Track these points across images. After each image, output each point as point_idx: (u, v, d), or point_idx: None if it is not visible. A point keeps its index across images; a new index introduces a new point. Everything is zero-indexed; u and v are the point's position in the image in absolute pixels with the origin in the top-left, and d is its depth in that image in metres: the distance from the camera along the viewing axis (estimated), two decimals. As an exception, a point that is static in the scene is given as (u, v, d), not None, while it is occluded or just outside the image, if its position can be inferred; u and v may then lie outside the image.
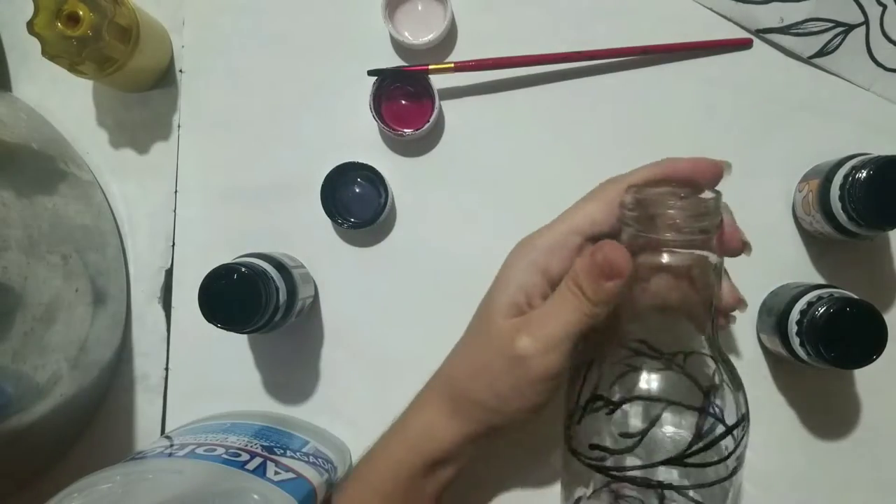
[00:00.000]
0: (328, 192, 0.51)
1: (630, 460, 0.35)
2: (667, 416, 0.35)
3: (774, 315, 0.48)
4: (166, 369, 0.54)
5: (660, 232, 0.34)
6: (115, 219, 0.55)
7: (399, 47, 0.54)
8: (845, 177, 0.45)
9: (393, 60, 0.54)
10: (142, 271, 0.55)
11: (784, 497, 0.50)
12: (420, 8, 0.53)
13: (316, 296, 0.53)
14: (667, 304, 0.36)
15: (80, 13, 0.48)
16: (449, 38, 0.54)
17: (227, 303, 0.45)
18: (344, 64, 0.54)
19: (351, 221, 0.51)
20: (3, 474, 0.49)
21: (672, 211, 0.34)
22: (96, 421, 0.54)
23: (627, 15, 0.53)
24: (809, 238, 0.51)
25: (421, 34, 0.52)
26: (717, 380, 0.36)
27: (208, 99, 0.55)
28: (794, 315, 0.45)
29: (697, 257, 0.35)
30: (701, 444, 0.34)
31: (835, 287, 0.46)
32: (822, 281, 0.51)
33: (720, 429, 0.35)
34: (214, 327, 0.45)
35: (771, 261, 0.51)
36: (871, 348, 0.42)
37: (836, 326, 0.42)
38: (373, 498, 0.42)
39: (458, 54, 0.54)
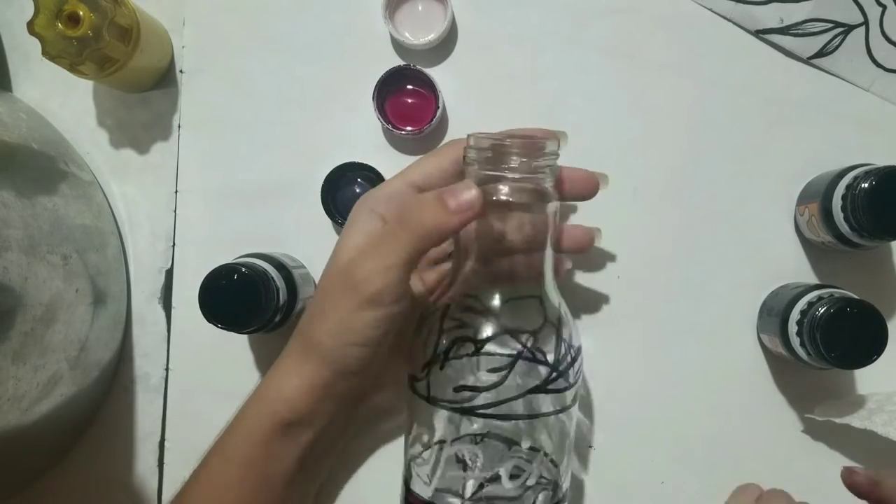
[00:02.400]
0: (328, 192, 0.51)
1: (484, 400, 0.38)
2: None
3: (775, 315, 0.48)
4: (166, 369, 0.54)
5: (499, 167, 0.37)
6: (115, 219, 0.55)
7: (399, 47, 0.54)
8: (847, 187, 0.44)
9: (393, 60, 0.54)
10: (142, 271, 0.55)
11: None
12: (420, 8, 0.53)
13: (316, 296, 0.53)
14: (507, 244, 0.39)
15: (81, 13, 0.48)
16: (449, 39, 0.54)
17: (228, 303, 0.45)
18: (344, 64, 0.54)
19: (351, 221, 0.51)
20: (4, 474, 0.49)
21: (511, 148, 0.37)
22: (96, 421, 0.54)
23: (627, 15, 0.53)
24: (810, 241, 0.51)
25: (421, 34, 0.52)
26: (560, 315, 0.40)
27: (208, 99, 0.55)
28: (795, 315, 0.45)
29: (534, 192, 0.38)
30: (560, 370, 0.38)
31: (835, 287, 0.46)
32: (822, 282, 0.51)
33: (568, 358, 0.39)
34: (214, 327, 0.45)
35: (771, 261, 0.51)
36: (871, 348, 0.42)
37: (837, 326, 0.42)
38: (229, 467, 0.42)
39: (459, 54, 0.54)
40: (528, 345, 0.38)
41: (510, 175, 0.37)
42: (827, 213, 0.46)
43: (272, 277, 0.46)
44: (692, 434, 0.51)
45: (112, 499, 0.54)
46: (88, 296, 0.49)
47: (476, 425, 0.38)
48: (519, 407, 0.37)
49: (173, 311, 0.54)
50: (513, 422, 0.38)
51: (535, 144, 0.38)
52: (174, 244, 0.54)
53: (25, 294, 0.42)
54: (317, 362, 0.40)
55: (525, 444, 0.38)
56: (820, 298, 0.44)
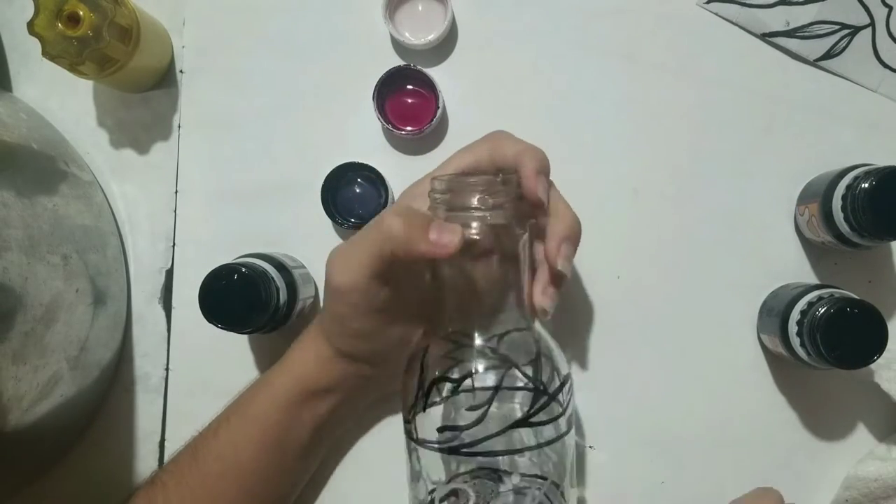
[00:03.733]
0: (328, 192, 0.51)
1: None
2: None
3: (775, 315, 0.48)
4: (166, 369, 0.54)
5: (464, 208, 0.38)
6: (115, 219, 0.55)
7: (399, 47, 0.54)
8: (847, 187, 0.44)
9: (393, 60, 0.54)
10: (142, 271, 0.55)
11: (784, 496, 0.50)
12: (420, 8, 0.53)
13: (316, 296, 0.53)
14: (481, 280, 0.40)
15: (81, 13, 0.48)
16: (449, 39, 0.54)
17: (228, 303, 0.45)
18: (344, 64, 0.54)
19: (351, 221, 0.51)
20: (4, 474, 0.49)
21: (472, 186, 0.39)
22: (96, 421, 0.54)
23: (628, 16, 0.53)
24: (810, 241, 0.51)
25: (421, 34, 0.52)
26: (537, 350, 0.40)
27: (208, 99, 0.55)
28: (795, 315, 0.45)
29: (499, 227, 0.39)
30: (540, 403, 0.38)
31: (835, 287, 0.46)
32: (822, 282, 0.51)
33: (553, 385, 0.39)
34: (214, 327, 0.45)
35: (771, 261, 0.51)
36: (871, 348, 0.42)
37: (837, 326, 0.42)
38: (251, 426, 0.45)
39: (459, 54, 0.54)
40: (507, 378, 0.38)
41: (474, 213, 0.38)
42: (827, 213, 0.46)
43: (272, 277, 0.46)
44: (692, 434, 0.51)
45: (112, 499, 0.54)
46: (88, 296, 0.49)
47: (464, 465, 0.38)
48: (502, 442, 0.37)
49: (173, 311, 0.54)
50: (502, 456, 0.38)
51: (493, 181, 0.39)
52: (174, 244, 0.54)
53: (25, 294, 0.42)
54: (324, 339, 0.44)
55: (514, 479, 0.38)
56: (820, 298, 0.44)
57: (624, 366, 0.51)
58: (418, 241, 0.37)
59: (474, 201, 0.38)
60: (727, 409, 0.51)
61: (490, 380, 0.38)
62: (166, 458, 0.53)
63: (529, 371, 0.39)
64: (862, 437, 0.50)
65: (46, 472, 0.53)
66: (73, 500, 0.54)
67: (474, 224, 0.38)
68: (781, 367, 0.51)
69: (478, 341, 0.39)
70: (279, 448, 0.45)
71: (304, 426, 0.45)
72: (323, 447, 0.49)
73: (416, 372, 0.40)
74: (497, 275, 0.40)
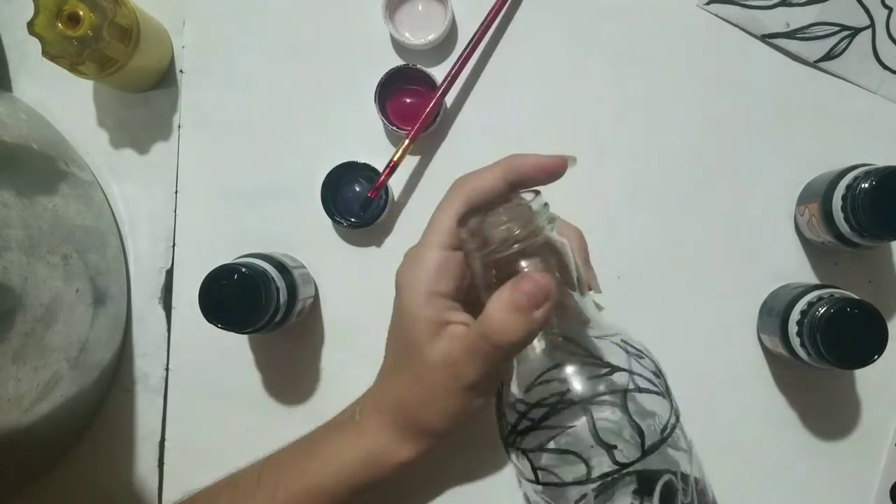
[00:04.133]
0: (328, 192, 0.51)
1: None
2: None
3: (775, 315, 0.48)
4: (166, 369, 0.54)
5: (499, 245, 0.36)
6: (115, 219, 0.55)
7: (400, 47, 0.54)
8: (847, 187, 0.44)
9: (394, 60, 0.54)
10: (142, 271, 0.55)
11: (783, 496, 0.50)
12: (420, 8, 0.53)
13: (316, 296, 0.53)
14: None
15: (81, 13, 0.48)
16: (449, 39, 0.54)
17: (228, 303, 0.45)
18: (344, 64, 0.54)
19: (351, 221, 0.51)
20: (4, 474, 0.49)
21: (501, 227, 0.36)
22: (96, 421, 0.54)
23: (629, 17, 0.53)
24: (810, 241, 0.51)
25: (421, 34, 0.52)
26: (637, 348, 0.40)
27: (208, 99, 0.55)
28: (795, 315, 0.45)
29: (544, 246, 0.37)
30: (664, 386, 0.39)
31: (835, 287, 0.47)
32: (822, 282, 0.51)
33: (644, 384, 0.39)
34: (214, 327, 0.45)
35: (771, 261, 0.51)
36: (871, 348, 0.42)
37: (837, 326, 0.42)
38: (330, 494, 0.42)
39: (459, 54, 0.54)
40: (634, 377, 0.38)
41: (514, 247, 0.36)
42: (827, 213, 0.46)
43: (272, 277, 0.46)
44: (692, 434, 0.51)
45: (112, 499, 0.54)
46: (88, 296, 0.49)
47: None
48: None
49: (173, 311, 0.54)
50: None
51: (518, 207, 0.37)
52: (174, 244, 0.54)
53: (25, 294, 0.42)
54: (426, 440, 0.42)
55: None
56: (820, 298, 0.44)
57: (624, 366, 0.51)
58: (533, 324, 0.36)
59: (508, 233, 0.36)
60: (727, 408, 0.51)
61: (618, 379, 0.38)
62: (166, 458, 0.53)
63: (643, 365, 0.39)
64: (862, 436, 0.50)
65: (46, 472, 0.53)
66: (73, 500, 0.54)
67: (518, 258, 0.36)
68: (781, 367, 0.51)
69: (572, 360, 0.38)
70: None
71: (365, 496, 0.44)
72: None
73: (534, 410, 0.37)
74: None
